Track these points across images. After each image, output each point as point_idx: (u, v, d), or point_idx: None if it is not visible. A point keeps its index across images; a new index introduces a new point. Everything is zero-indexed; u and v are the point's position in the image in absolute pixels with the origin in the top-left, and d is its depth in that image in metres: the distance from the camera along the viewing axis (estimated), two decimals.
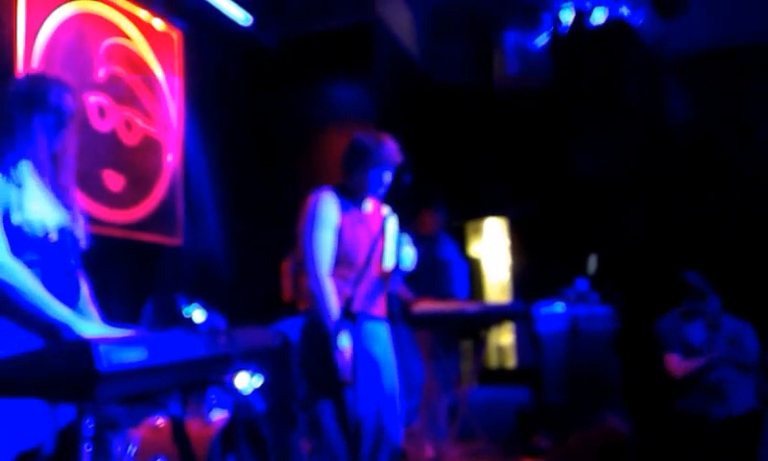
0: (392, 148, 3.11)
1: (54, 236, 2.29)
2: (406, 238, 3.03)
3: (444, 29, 6.66)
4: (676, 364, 4.61)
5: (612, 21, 6.24)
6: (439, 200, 5.33)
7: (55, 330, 2.09)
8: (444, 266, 5.22)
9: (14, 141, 2.29)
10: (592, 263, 5.46)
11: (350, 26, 6.04)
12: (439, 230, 5.30)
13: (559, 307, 5.50)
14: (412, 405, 4.56)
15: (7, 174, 2.22)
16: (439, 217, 5.30)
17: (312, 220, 3.03)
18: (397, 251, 2.98)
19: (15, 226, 2.19)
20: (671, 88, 6.62)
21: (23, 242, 2.20)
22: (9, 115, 2.33)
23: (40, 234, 2.25)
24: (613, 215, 6.21)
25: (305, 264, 3.01)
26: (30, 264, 2.18)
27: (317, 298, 2.95)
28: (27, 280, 2.12)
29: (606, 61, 6.35)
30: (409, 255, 3.03)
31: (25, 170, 2.27)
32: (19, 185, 2.23)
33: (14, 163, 2.25)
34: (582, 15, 6.18)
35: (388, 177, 3.13)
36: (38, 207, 2.26)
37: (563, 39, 6.30)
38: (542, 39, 6.37)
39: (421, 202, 5.20)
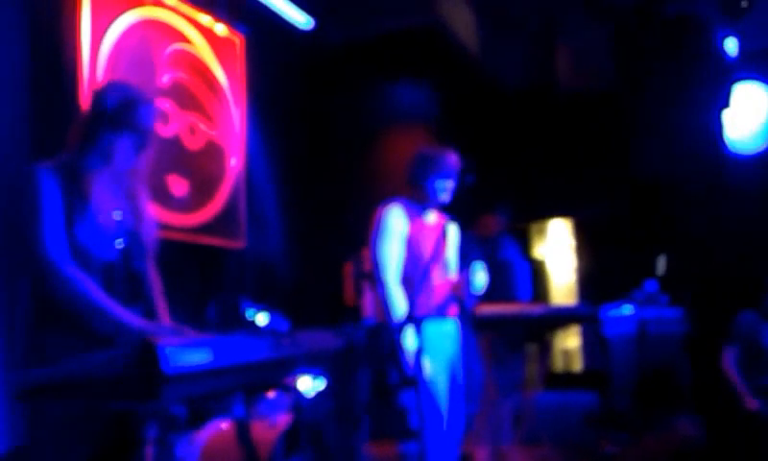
0: (453, 158, 3.29)
1: (119, 243, 2.26)
2: (481, 265, 3.18)
3: (506, 28, 6.56)
4: (727, 362, 4.61)
5: (680, 16, 6.03)
6: (501, 202, 5.26)
7: (120, 337, 2.07)
8: (506, 268, 5.13)
9: (91, 153, 2.23)
10: (662, 264, 5.31)
11: (411, 28, 6.02)
12: (500, 231, 5.22)
13: (627, 310, 5.36)
14: (472, 409, 4.53)
15: (74, 184, 2.19)
16: (501, 219, 5.23)
17: (380, 231, 3.23)
18: (470, 275, 3.17)
19: (81, 235, 2.17)
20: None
21: (88, 251, 2.19)
22: (90, 128, 2.25)
23: (106, 242, 2.23)
24: (683, 215, 6.01)
25: (374, 272, 3.20)
26: (95, 273, 2.16)
27: (384, 303, 3.13)
28: (92, 290, 2.11)
29: (673, 58, 6.15)
30: (481, 280, 3.19)
31: (94, 180, 2.22)
32: (84, 196, 2.19)
33: (84, 174, 2.21)
34: (647, 9, 5.97)
35: (450, 185, 3.29)
36: (104, 216, 2.23)
37: (627, 35, 6.12)
38: (606, 36, 6.19)
39: (484, 203, 5.14)
